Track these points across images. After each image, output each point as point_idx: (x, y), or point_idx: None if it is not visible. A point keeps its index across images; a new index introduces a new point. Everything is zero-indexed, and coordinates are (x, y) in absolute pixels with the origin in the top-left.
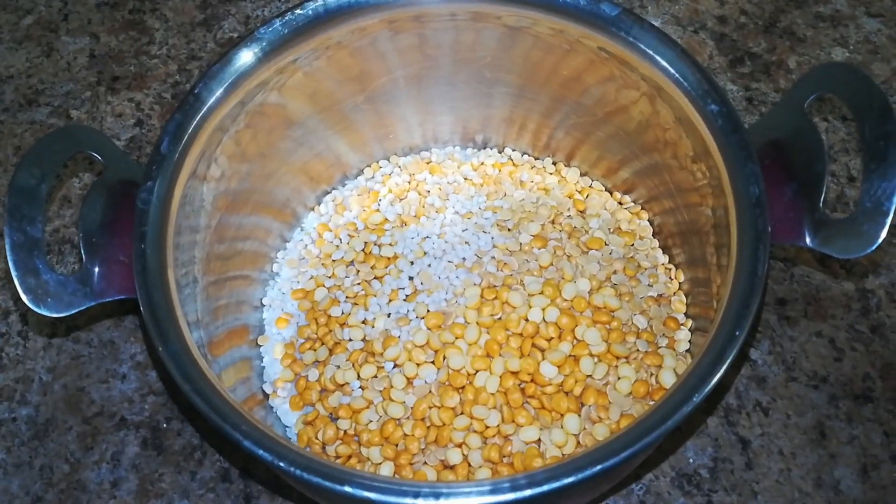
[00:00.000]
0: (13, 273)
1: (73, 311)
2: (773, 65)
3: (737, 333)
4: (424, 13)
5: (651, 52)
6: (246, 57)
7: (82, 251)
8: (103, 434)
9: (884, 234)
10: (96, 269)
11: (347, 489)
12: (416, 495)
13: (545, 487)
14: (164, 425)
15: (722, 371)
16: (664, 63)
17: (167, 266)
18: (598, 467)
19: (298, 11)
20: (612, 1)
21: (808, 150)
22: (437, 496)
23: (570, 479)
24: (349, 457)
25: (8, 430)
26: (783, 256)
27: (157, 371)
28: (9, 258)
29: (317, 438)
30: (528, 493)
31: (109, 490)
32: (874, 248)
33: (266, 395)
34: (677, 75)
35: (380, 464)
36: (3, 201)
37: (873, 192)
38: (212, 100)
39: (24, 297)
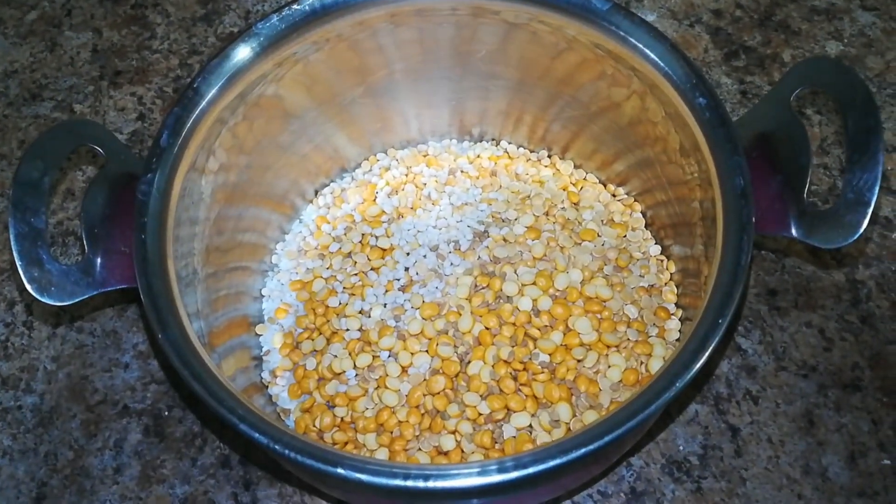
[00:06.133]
0: (18, 263)
1: (76, 300)
2: (767, 58)
3: (720, 321)
4: (425, 7)
5: (642, 46)
6: (244, 52)
7: (84, 242)
8: (106, 422)
9: (866, 224)
10: (98, 260)
11: (340, 471)
12: (407, 477)
13: (531, 469)
14: (166, 413)
15: (704, 358)
16: (654, 57)
17: (167, 256)
18: (583, 450)
19: (296, 7)
20: None
21: (793, 142)
22: (426, 478)
23: (556, 462)
24: (346, 443)
25: (13, 417)
26: (774, 248)
27: (158, 359)
28: (13, 248)
29: (314, 426)
30: (514, 475)
31: (112, 476)
32: (856, 237)
33: (265, 384)
34: (667, 69)
35: (375, 450)
36: (7, 194)
37: (855, 182)
38: (211, 94)
39: (28, 286)
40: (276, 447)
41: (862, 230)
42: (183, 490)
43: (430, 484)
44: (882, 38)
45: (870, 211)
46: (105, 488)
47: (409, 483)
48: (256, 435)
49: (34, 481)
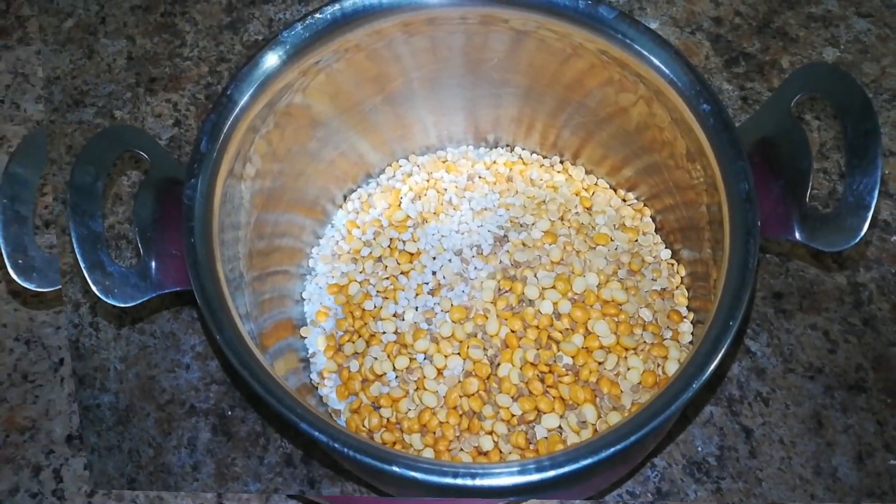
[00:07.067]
0: (82, 265)
1: (138, 302)
2: (766, 64)
3: (730, 323)
4: (437, 16)
5: (646, 53)
6: (272, 60)
7: (139, 245)
8: (177, 420)
9: (866, 227)
10: (153, 263)
11: (395, 469)
12: (456, 475)
13: (566, 468)
14: (230, 413)
15: (718, 359)
16: (659, 64)
17: (215, 259)
18: (612, 450)
19: (318, 15)
20: (609, 4)
21: (794, 147)
22: (473, 476)
23: (588, 461)
24: (394, 443)
25: (95, 415)
26: (778, 251)
27: (219, 360)
28: (76, 251)
29: (363, 426)
30: (551, 473)
31: (191, 473)
32: (858, 240)
33: (315, 385)
34: (671, 75)
35: (422, 450)
36: (60, 197)
37: (855, 186)
38: (243, 101)
39: (94, 288)
40: (336, 445)
41: (863, 233)
42: (256, 487)
43: (478, 482)
44: (877, 45)
45: (870, 214)
46: (187, 484)
47: (459, 481)
48: (317, 434)
49: (123, 477)
